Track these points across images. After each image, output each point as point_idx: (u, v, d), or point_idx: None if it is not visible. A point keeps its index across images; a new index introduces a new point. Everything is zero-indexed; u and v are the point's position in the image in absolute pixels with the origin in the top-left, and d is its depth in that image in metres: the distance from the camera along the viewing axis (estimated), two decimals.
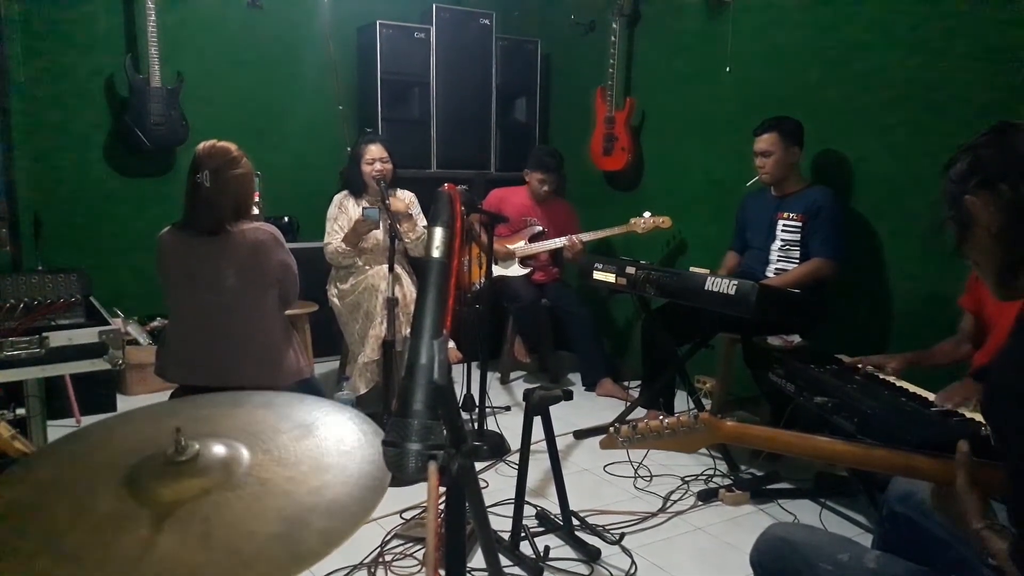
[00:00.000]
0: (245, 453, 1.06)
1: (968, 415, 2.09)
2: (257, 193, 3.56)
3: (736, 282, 2.84)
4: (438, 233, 0.94)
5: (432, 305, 0.88)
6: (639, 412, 3.60)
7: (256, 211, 3.34)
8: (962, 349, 2.57)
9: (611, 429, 1.41)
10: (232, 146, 2.48)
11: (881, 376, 2.52)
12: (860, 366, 2.59)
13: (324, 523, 0.96)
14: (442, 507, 1.03)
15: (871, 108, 3.28)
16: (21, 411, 2.45)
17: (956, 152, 1.27)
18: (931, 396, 2.28)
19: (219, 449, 1.05)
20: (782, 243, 3.31)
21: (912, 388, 2.37)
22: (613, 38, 4.36)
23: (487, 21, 4.77)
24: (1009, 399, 1.20)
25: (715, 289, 2.90)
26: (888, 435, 2.06)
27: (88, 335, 2.28)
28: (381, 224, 3.56)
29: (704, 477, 3.02)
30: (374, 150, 3.70)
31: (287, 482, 1.02)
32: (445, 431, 0.83)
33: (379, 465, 1.02)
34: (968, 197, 1.21)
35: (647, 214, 4.02)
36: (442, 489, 0.91)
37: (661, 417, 1.40)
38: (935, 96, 3.04)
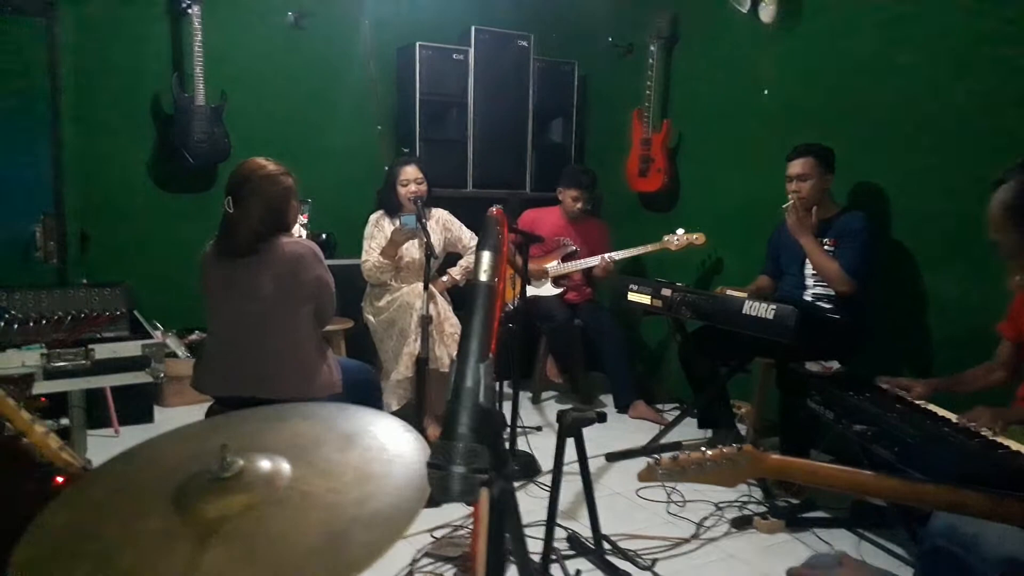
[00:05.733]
0: (287, 467, 1.07)
1: (1015, 447, 2.04)
2: (305, 215, 3.61)
3: (775, 307, 2.81)
4: (486, 257, 0.95)
5: (479, 328, 0.88)
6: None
7: (303, 233, 3.38)
8: (995, 376, 2.51)
9: (651, 461, 1.38)
10: (262, 162, 2.44)
11: (922, 404, 2.47)
12: (886, 388, 2.55)
13: (365, 534, 0.97)
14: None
15: (910, 133, 3.24)
16: (65, 422, 2.51)
17: (1005, 171, 1.25)
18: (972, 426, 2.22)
19: (263, 464, 1.06)
20: (814, 267, 3.26)
21: (955, 418, 2.32)
22: (651, 60, 4.37)
23: (525, 43, 4.81)
24: None
25: (753, 313, 2.87)
26: (930, 466, 2.02)
27: (132, 348, 2.33)
28: (417, 238, 3.59)
29: (738, 504, 2.98)
30: (409, 171, 3.74)
31: (329, 494, 1.03)
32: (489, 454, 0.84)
33: (420, 473, 1.02)
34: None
35: (680, 231, 4.00)
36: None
37: (703, 449, 1.37)
38: (975, 122, 3.00)
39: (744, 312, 2.92)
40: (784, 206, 3.27)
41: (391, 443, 1.13)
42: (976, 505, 1.27)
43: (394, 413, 3.56)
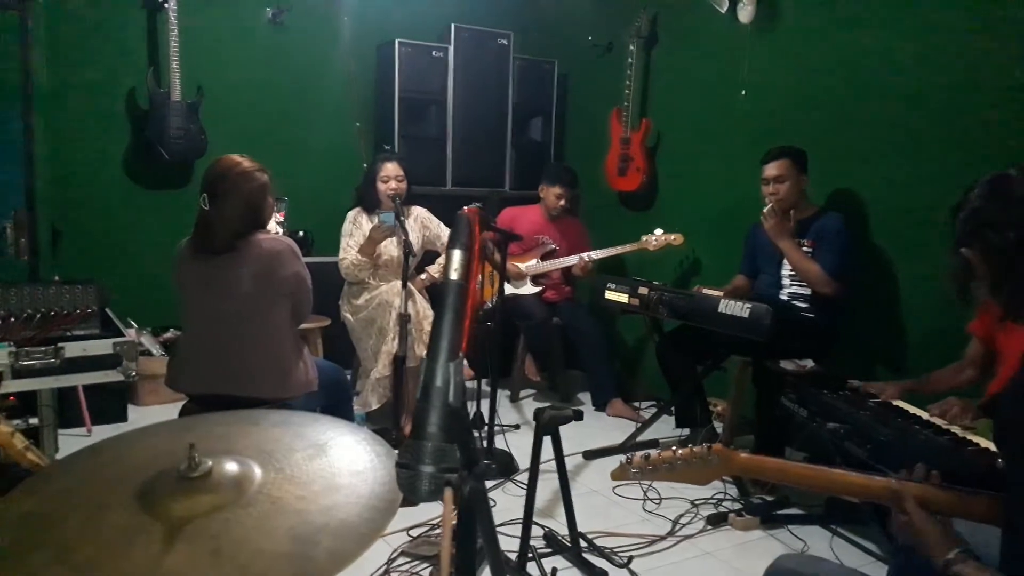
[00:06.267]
0: (258, 471, 1.07)
1: (983, 444, 2.07)
2: (282, 214, 3.59)
3: (750, 305, 2.83)
4: (456, 256, 0.95)
5: (449, 327, 0.88)
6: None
7: (280, 230, 3.36)
8: (965, 375, 2.54)
9: (623, 460, 1.40)
10: (237, 159, 2.42)
11: (893, 402, 2.50)
12: (858, 387, 2.58)
13: (333, 543, 0.96)
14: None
15: (887, 134, 3.27)
16: (34, 420, 2.47)
17: (960, 200, 1.32)
18: (944, 424, 2.26)
19: (232, 466, 1.05)
20: (793, 269, 3.29)
21: (926, 416, 2.35)
22: (630, 59, 4.39)
23: (505, 41, 4.81)
24: (1017, 433, 1.19)
25: (728, 312, 2.89)
26: (901, 463, 2.04)
27: (103, 346, 2.29)
28: (395, 236, 3.57)
29: (714, 501, 3.00)
30: (390, 168, 3.72)
31: (298, 501, 1.02)
32: (458, 453, 0.83)
33: (390, 487, 1.02)
34: (963, 250, 1.25)
35: (658, 231, 4.02)
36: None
37: (674, 448, 1.39)
38: (951, 123, 3.04)
39: (720, 311, 2.94)
40: (766, 209, 3.27)
41: (362, 455, 1.13)
42: (939, 501, 1.29)
43: (374, 412, 3.57)
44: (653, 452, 1.38)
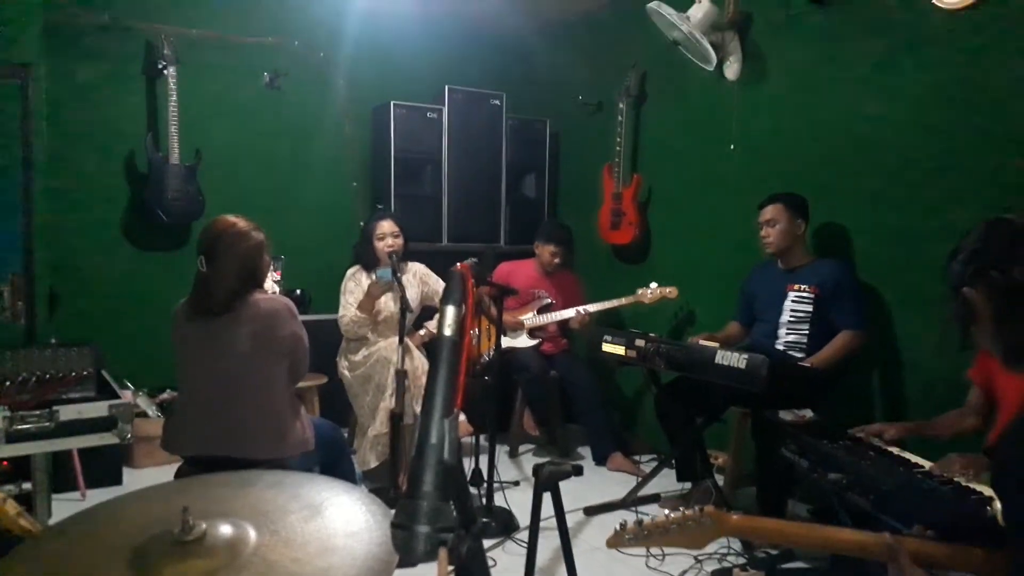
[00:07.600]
0: (252, 533, 1.05)
1: (988, 493, 2.04)
2: (278, 272, 3.61)
3: (747, 356, 2.83)
4: (450, 312, 0.95)
5: (443, 383, 0.88)
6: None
7: (277, 289, 3.37)
8: (967, 422, 2.52)
9: (617, 527, 1.40)
10: (232, 220, 2.44)
11: (896, 452, 2.47)
12: (862, 436, 2.56)
13: None
14: None
15: (875, 184, 3.32)
16: (27, 485, 2.43)
17: (956, 245, 1.34)
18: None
19: (226, 529, 1.04)
20: (791, 316, 3.30)
21: (928, 464, 2.33)
22: (620, 117, 4.47)
23: (497, 101, 4.91)
24: (1013, 477, 1.19)
25: (725, 363, 2.89)
26: (905, 513, 2.02)
27: (98, 409, 2.28)
28: (393, 292, 3.59)
29: (718, 556, 2.94)
30: (385, 226, 3.77)
31: (293, 563, 1.01)
32: (455, 512, 0.83)
33: (386, 548, 1.01)
34: (966, 289, 1.26)
35: (653, 284, 4.05)
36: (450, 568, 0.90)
37: (667, 513, 1.39)
38: (941, 173, 3.08)
39: (716, 362, 2.93)
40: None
41: (357, 516, 1.12)
42: (935, 555, 1.28)
43: (372, 470, 3.52)
44: (647, 519, 1.38)
